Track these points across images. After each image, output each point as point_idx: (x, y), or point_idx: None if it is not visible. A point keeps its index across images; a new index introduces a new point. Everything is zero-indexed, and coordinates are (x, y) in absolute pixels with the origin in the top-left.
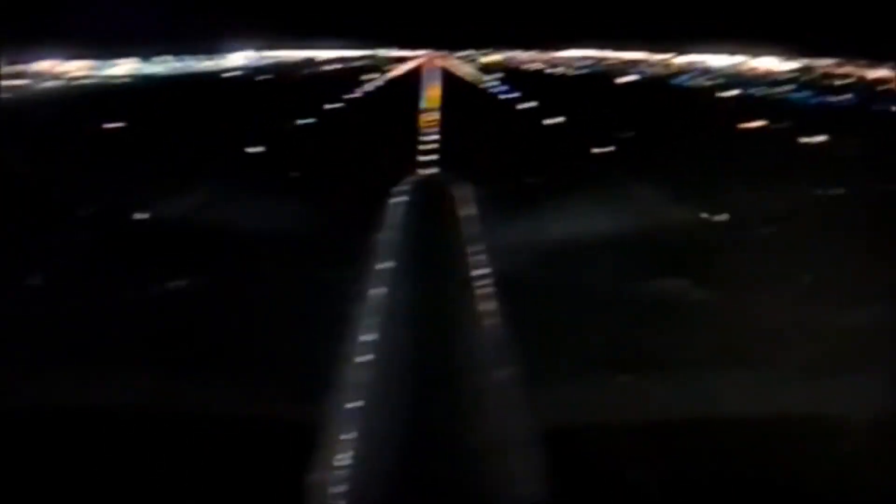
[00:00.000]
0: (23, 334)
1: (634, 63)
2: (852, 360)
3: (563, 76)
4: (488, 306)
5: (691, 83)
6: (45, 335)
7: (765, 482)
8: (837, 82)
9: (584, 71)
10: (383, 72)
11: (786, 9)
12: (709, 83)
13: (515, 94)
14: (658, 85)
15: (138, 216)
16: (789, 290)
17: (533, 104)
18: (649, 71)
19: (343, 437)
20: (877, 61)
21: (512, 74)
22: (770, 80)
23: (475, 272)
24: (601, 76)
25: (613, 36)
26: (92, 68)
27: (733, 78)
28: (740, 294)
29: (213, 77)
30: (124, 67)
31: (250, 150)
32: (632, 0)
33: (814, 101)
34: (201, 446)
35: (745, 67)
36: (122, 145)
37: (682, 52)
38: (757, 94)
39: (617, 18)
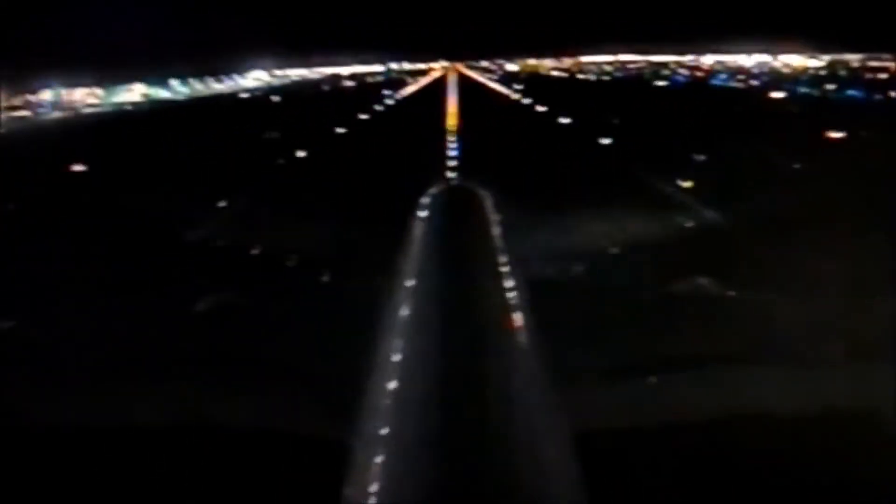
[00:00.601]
0: (50, 352)
1: (662, 65)
2: (882, 355)
3: (594, 83)
4: (518, 312)
5: (731, 84)
6: (72, 352)
7: (796, 478)
8: (879, 77)
9: (615, 76)
10: (404, 85)
11: (802, 4)
12: (750, 83)
13: (548, 107)
14: (698, 88)
15: (159, 236)
16: (818, 287)
17: (570, 119)
18: (682, 73)
19: (375, 448)
20: None
21: (539, 83)
22: (808, 77)
23: (505, 277)
24: (634, 81)
25: (631, 39)
26: (101, 96)
27: (769, 76)
28: (769, 292)
29: (227, 99)
30: (134, 93)
31: (269, 167)
32: (646, 3)
33: (873, 99)
34: (231, 462)
35: (774, 65)
36: (129, 172)
37: (702, 52)
38: (808, 94)
39: (632, 21)
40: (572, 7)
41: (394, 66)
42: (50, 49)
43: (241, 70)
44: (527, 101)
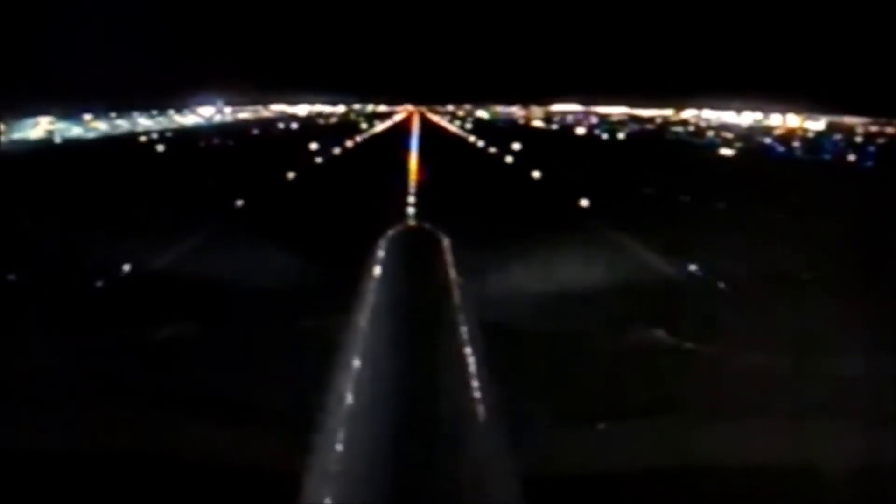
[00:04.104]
0: (11, 380)
1: (667, 122)
2: (836, 410)
3: (611, 143)
4: (472, 355)
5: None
6: (31, 380)
7: None
8: None
9: (627, 132)
10: (360, 130)
11: (796, 58)
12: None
13: (554, 178)
14: (759, 160)
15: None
16: (773, 341)
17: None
18: (714, 138)
19: (325, 484)
20: None
21: (539, 140)
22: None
23: (459, 321)
24: (651, 141)
25: (607, 90)
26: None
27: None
28: (723, 344)
29: (131, 141)
30: (40, 129)
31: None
32: (624, 52)
33: None
34: (184, 493)
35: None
36: None
37: (683, 107)
38: None
39: (610, 71)
40: (543, 54)
41: (342, 106)
42: None
43: (192, 105)
44: (508, 160)
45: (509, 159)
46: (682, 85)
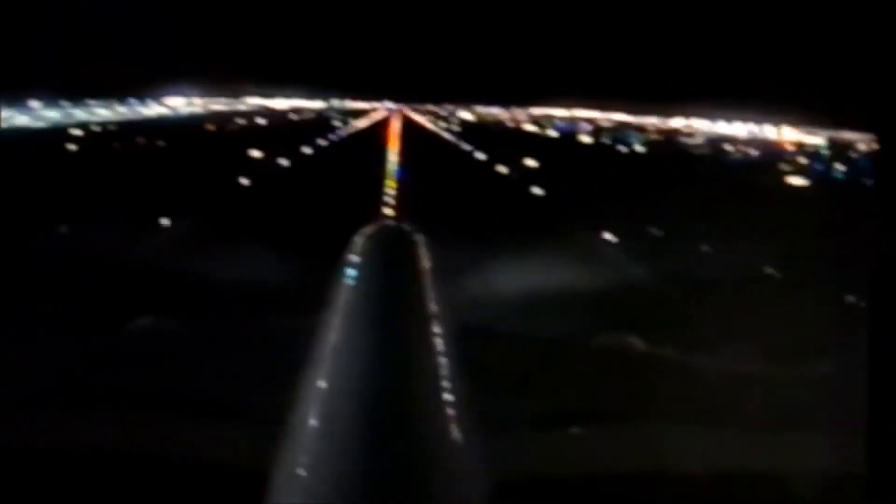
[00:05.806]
0: None
1: (668, 132)
2: (807, 417)
3: (628, 159)
4: (444, 356)
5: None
6: (8, 377)
7: None
8: None
9: (638, 141)
10: (333, 129)
11: (799, 73)
12: None
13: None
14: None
15: None
16: (744, 347)
17: None
18: (744, 154)
19: (294, 483)
20: None
21: (527, 149)
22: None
23: (433, 321)
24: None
25: (596, 94)
26: None
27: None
28: (694, 349)
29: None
30: None
31: None
32: (617, 55)
33: None
34: (157, 489)
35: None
36: None
37: (674, 115)
38: None
39: (601, 75)
40: (531, 55)
41: (320, 102)
42: None
43: (165, 95)
44: (514, 178)
45: (537, 190)
46: (665, 92)
